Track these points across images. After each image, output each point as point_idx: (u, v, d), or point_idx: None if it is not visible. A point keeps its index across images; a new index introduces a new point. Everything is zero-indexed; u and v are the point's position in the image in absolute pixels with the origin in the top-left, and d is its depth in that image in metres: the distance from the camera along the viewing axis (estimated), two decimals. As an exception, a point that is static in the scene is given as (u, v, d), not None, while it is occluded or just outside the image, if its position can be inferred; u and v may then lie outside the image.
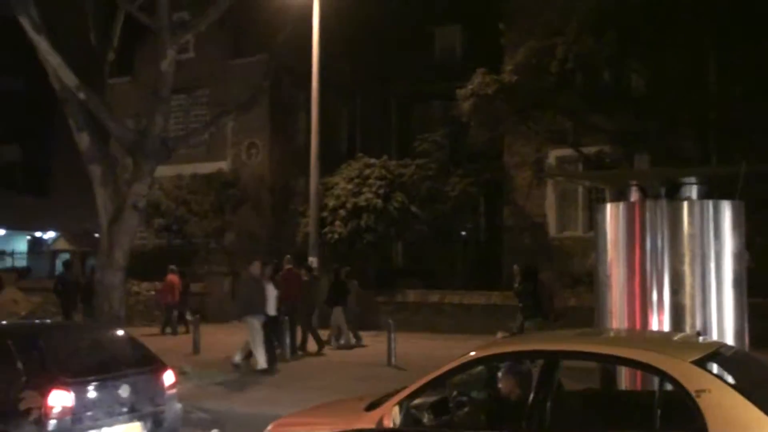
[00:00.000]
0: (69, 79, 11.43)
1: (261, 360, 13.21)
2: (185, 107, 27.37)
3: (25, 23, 11.12)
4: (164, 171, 23.15)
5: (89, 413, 7.15)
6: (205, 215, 25.59)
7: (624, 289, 8.42)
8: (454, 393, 5.91)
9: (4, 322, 12.69)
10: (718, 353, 5.17)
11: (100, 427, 7.21)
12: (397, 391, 5.63)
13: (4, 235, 40.96)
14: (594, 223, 9.37)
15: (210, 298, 22.98)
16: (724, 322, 8.22)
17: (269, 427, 6.16)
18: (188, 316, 19.97)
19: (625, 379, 7.74)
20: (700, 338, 6.48)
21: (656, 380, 5.01)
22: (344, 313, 16.74)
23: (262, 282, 13.68)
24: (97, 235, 15.72)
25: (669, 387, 4.78)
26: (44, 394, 6.90)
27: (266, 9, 20.53)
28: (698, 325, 7.93)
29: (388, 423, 5.32)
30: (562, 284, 16.80)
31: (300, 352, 15.66)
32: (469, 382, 6.26)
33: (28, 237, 43.05)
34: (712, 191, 8.55)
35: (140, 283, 22.73)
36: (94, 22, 13.13)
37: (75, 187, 31.87)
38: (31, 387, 7.03)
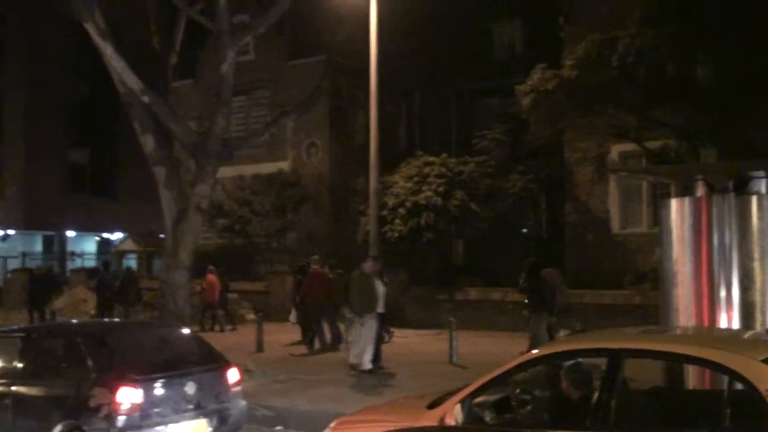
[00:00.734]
0: (133, 82, 11.70)
1: (366, 360, 12.92)
2: (245, 108, 27.78)
3: (91, 29, 11.42)
4: (226, 172, 23.53)
5: (156, 410, 7.32)
6: (266, 215, 25.90)
7: (691, 286, 8.22)
8: (517, 391, 5.86)
9: (74, 321, 13.06)
10: (789, 351, 5.02)
11: (166, 423, 7.36)
12: (460, 389, 5.61)
13: (75, 237, 42.14)
14: (659, 218, 9.16)
15: (272, 297, 23.25)
16: (795, 320, 7.96)
17: (332, 425, 6.20)
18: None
19: (691, 377, 7.57)
20: (771, 336, 6.29)
21: (725, 379, 4.89)
22: None
23: (373, 279, 13.28)
24: (162, 235, 16.07)
25: (738, 386, 4.65)
26: (113, 391, 7.08)
27: (323, 10, 20.64)
28: (769, 323, 7.71)
29: (450, 421, 5.30)
30: (567, 280, 16.54)
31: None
32: (532, 381, 6.20)
33: (97, 238, 44.20)
34: (782, 185, 8.28)
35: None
36: (156, 26, 13.41)
37: (141, 189, 32.68)
38: (101, 384, 7.22)
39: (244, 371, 11.56)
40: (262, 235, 26.18)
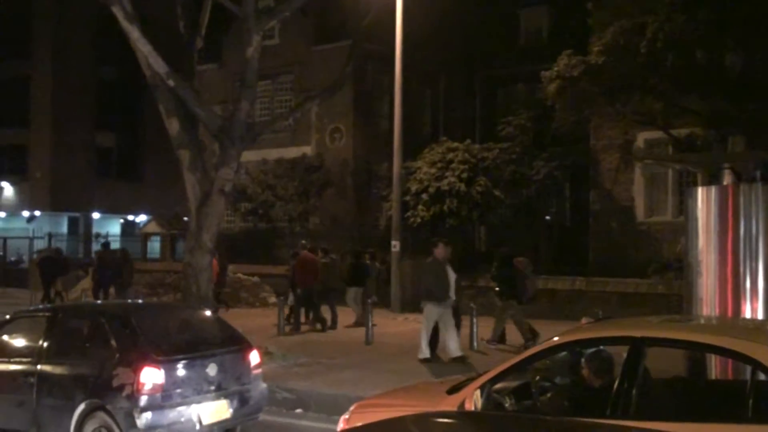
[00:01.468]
0: (159, 66, 11.73)
1: (425, 348, 12.51)
2: (270, 93, 27.83)
3: (118, 13, 11.46)
4: (250, 156, 23.66)
5: (178, 390, 7.39)
6: (290, 199, 25.99)
7: (716, 276, 8.14)
8: (537, 378, 5.85)
9: (98, 302, 13.23)
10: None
11: (188, 404, 7.43)
12: (480, 375, 5.60)
13: (99, 219, 42.60)
14: (684, 207, 9.09)
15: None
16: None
17: (351, 408, 6.23)
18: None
19: (714, 367, 7.51)
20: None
21: (748, 369, 4.84)
22: (360, 294, 17.58)
23: (446, 265, 12.60)
24: (186, 218, 16.16)
25: (761, 376, 4.60)
26: (136, 371, 7.16)
27: (349, -6, 20.61)
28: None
29: (469, 406, 5.30)
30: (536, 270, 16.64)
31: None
32: (552, 368, 6.18)
33: (121, 220, 44.64)
34: (812, 174, 8.16)
35: (228, 265, 23.26)
36: (182, 10, 13.43)
37: (166, 172, 32.94)
38: (124, 364, 7.30)
39: (265, 354, 11.64)
40: (285, 219, 26.29)
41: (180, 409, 7.36)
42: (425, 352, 12.53)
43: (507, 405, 5.48)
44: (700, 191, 8.46)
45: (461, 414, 5.04)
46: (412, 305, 18.90)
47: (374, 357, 13.20)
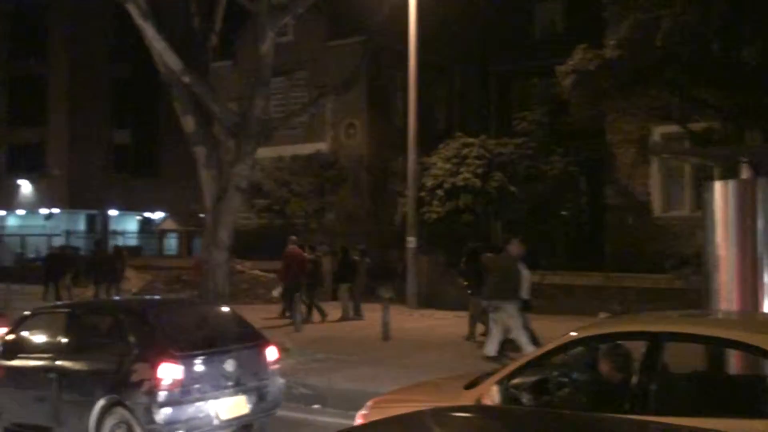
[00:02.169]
0: (174, 63, 11.79)
1: (491, 347, 11.94)
2: (285, 89, 27.85)
3: (133, 11, 11.53)
4: (265, 153, 23.65)
5: (197, 386, 7.42)
6: (305, 196, 26.03)
7: (734, 271, 8.09)
8: (555, 373, 5.83)
9: (117, 298, 13.32)
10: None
11: (207, 399, 7.47)
12: (497, 370, 5.59)
13: (117, 216, 42.84)
14: (702, 202, 9.02)
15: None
16: (841, 305, 7.80)
17: (369, 403, 6.23)
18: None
19: (733, 362, 7.46)
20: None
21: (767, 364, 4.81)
22: (349, 290, 18.15)
23: (519, 263, 12.18)
24: (202, 215, 16.24)
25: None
26: (154, 367, 7.20)
27: (363, -10, 20.57)
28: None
29: (487, 402, 5.30)
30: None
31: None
32: (569, 363, 6.16)
33: (138, 217, 44.88)
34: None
35: (244, 261, 23.33)
36: (197, 7, 13.48)
37: (182, 169, 33.07)
38: (143, 360, 7.34)
39: (282, 350, 11.68)
40: (301, 215, 26.32)
41: (198, 404, 7.40)
42: (490, 350, 11.92)
43: (525, 400, 5.48)
44: (718, 185, 8.40)
45: (479, 408, 5.04)
46: (427, 301, 18.93)
47: (392, 353, 13.21)
